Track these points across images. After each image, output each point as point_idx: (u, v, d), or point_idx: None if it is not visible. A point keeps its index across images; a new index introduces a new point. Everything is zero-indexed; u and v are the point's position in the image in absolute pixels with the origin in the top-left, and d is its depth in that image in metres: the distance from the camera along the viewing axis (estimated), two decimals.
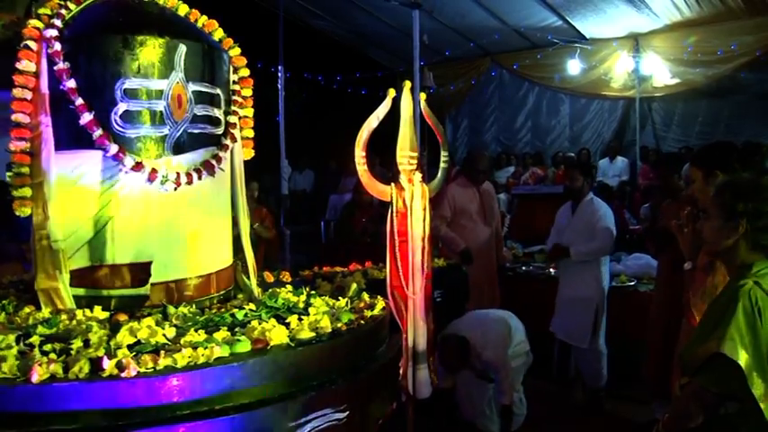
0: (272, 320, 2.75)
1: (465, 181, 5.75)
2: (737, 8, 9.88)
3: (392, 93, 3.50)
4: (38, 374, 2.14)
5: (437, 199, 5.43)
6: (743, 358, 2.11)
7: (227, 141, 3.21)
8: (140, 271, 2.91)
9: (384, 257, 3.52)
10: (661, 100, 12.10)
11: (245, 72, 3.45)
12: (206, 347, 2.37)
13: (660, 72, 11.34)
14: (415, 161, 3.61)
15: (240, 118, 3.36)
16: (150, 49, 2.90)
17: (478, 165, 5.88)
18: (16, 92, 2.81)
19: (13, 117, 2.82)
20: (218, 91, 3.20)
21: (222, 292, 3.26)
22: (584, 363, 5.37)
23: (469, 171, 5.80)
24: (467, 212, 5.64)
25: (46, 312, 2.77)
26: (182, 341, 2.45)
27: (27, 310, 2.83)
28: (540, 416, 5.08)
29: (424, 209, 3.60)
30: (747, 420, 2.17)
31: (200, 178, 3.01)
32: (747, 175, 2.43)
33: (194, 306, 2.97)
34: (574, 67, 11.99)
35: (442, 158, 3.95)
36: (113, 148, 2.79)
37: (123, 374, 2.19)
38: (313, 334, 2.69)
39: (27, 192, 2.83)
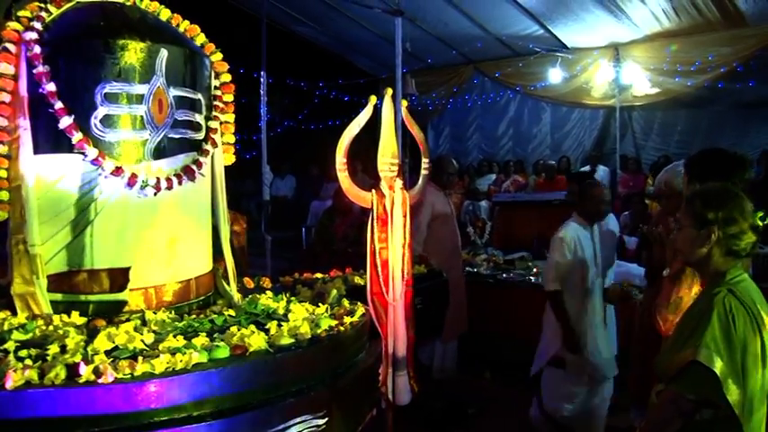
0: (252, 326, 2.75)
1: (435, 186, 5.81)
2: (715, 20, 10.02)
3: (373, 99, 3.52)
4: (13, 380, 2.12)
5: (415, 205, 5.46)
6: (718, 366, 2.14)
7: (208, 147, 3.20)
8: (119, 276, 2.89)
9: (365, 264, 3.52)
10: (641, 109, 12.22)
11: (227, 77, 3.45)
12: (184, 353, 2.36)
13: (640, 82, 11.44)
14: (396, 168, 3.62)
15: (221, 123, 3.36)
16: (131, 54, 2.89)
17: (447, 168, 5.96)
18: None
19: None
20: (200, 96, 3.19)
21: (202, 298, 3.25)
22: None
23: (439, 176, 5.86)
24: (442, 217, 5.74)
25: (22, 318, 2.75)
26: (160, 347, 2.45)
27: (2, 315, 2.81)
28: (524, 425, 5.10)
29: (405, 215, 3.62)
30: (721, 426, 2.21)
31: (180, 183, 3.00)
32: (716, 184, 2.47)
33: (173, 312, 2.95)
34: (555, 75, 12.07)
35: (423, 166, 3.97)
36: (93, 153, 2.78)
37: (100, 380, 2.18)
38: (292, 340, 2.69)
39: (4, 195, 2.81)
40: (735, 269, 2.31)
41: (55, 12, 2.97)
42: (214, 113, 3.31)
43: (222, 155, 3.42)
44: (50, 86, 2.76)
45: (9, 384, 2.11)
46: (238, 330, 2.68)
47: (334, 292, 3.59)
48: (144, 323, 2.77)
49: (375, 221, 3.50)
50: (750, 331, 2.20)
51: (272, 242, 9.13)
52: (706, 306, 2.23)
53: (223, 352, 2.47)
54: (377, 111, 3.57)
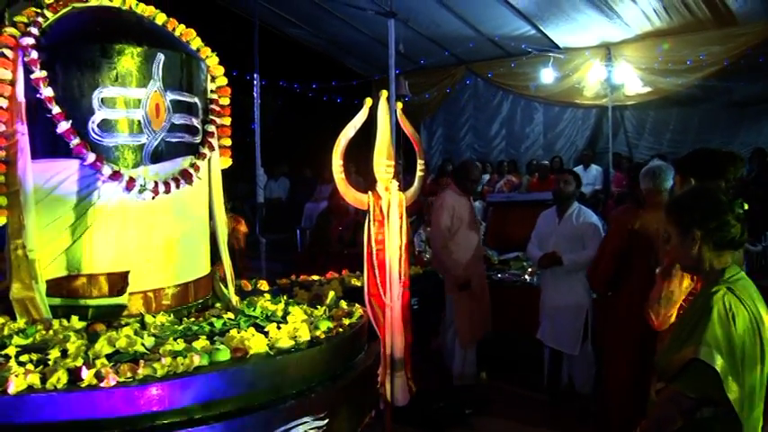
0: (251, 329, 2.75)
1: (458, 190, 5.84)
2: (706, 19, 10.10)
3: (369, 102, 3.54)
4: (15, 385, 2.12)
5: (433, 209, 5.49)
6: (719, 363, 2.16)
7: (205, 150, 3.21)
8: (118, 280, 2.89)
9: (361, 265, 3.54)
10: (633, 108, 12.29)
11: (223, 81, 3.46)
12: (186, 356, 2.37)
13: (632, 81, 11.51)
14: (392, 169, 3.64)
15: (218, 127, 3.36)
16: (128, 58, 2.90)
17: (471, 174, 5.96)
18: None
19: None
20: (196, 100, 3.19)
21: (200, 301, 3.26)
22: (578, 369, 5.42)
23: (463, 181, 5.88)
24: (462, 220, 5.72)
25: (21, 322, 2.75)
26: (161, 350, 2.45)
27: (1, 320, 2.80)
28: (530, 422, 5.12)
29: (401, 217, 3.64)
30: (722, 424, 2.23)
31: (177, 187, 3.00)
32: (690, 188, 2.53)
33: (172, 315, 2.96)
34: (547, 75, 12.13)
35: (419, 167, 3.99)
36: (91, 157, 2.78)
37: (102, 384, 2.18)
38: (292, 342, 2.70)
39: (3, 200, 2.80)
40: (732, 268, 2.34)
41: (51, 17, 2.98)
42: (211, 117, 3.31)
43: (219, 158, 3.42)
44: (48, 91, 2.77)
45: (11, 389, 2.11)
46: (238, 333, 2.68)
47: (332, 293, 3.60)
48: (143, 326, 2.77)
49: (372, 223, 3.51)
50: (749, 329, 2.22)
51: (267, 244, 9.15)
52: (705, 304, 2.25)
53: (224, 355, 2.48)
54: (371, 113, 3.58)
